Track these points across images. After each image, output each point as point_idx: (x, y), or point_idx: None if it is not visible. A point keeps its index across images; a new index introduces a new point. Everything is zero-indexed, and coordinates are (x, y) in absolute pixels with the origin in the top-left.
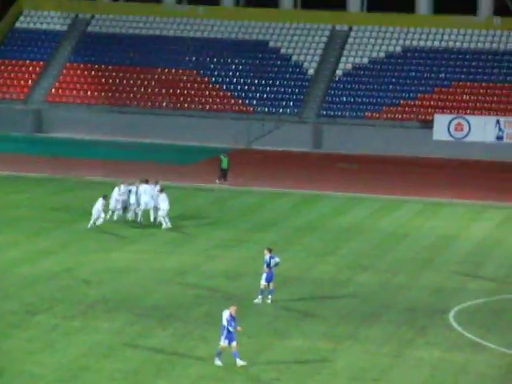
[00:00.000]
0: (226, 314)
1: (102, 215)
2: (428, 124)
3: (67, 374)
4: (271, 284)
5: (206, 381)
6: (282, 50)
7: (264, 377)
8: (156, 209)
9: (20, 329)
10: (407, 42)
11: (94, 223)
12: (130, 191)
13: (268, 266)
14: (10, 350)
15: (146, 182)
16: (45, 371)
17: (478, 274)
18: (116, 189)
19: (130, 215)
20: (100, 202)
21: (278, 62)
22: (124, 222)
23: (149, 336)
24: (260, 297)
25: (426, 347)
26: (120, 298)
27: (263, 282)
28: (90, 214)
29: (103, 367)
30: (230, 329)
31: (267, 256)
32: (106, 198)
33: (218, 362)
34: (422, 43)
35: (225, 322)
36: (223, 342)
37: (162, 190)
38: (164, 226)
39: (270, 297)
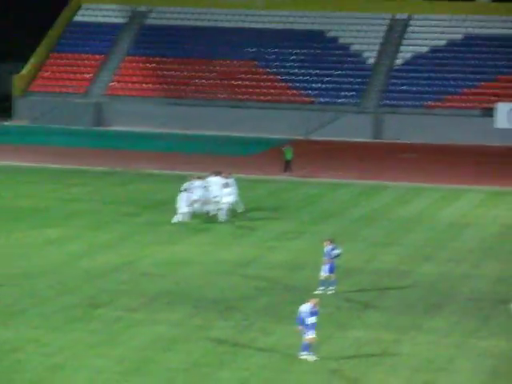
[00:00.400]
0: (306, 307)
1: (187, 209)
2: (489, 112)
3: (130, 367)
4: (332, 275)
5: (267, 371)
6: (341, 40)
7: (325, 368)
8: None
9: (82, 322)
10: (468, 30)
11: (181, 217)
12: (200, 184)
13: (329, 257)
14: (73, 344)
15: (218, 174)
16: (108, 364)
17: None
18: (187, 183)
19: (197, 207)
20: (183, 196)
21: (337, 52)
22: (190, 215)
23: (210, 328)
24: (321, 288)
25: (489, 337)
26: (181, 290)
27: (324, 274)
28: (150, 206)
29: (165, 359)
30: (310, 321)
31: (328, 247)
32: (186, 191)
33: (306, 356)
34: (483, 31)
35: (305, 315)
36: (309, 335)
37: (226, 184)
38: (220, 218)
39: (331, 288)
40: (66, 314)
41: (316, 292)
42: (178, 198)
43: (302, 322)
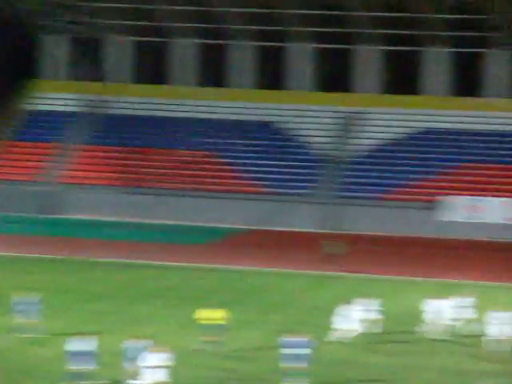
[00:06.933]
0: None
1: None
2: (434, 205)
3: None
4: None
5: None
6: (293, 132)
7: None
8: None
9: None
10: (415, 124)
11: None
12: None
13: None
14: None
15: None
16: None
17: None
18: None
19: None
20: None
21: (290, 144)
22: None
23: None
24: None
25: None
26: None
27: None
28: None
29: None
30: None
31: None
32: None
33: None
34: (432, 125)
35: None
36: None
37: None
38: None
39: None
40: None
41: None
42: None
43: None
